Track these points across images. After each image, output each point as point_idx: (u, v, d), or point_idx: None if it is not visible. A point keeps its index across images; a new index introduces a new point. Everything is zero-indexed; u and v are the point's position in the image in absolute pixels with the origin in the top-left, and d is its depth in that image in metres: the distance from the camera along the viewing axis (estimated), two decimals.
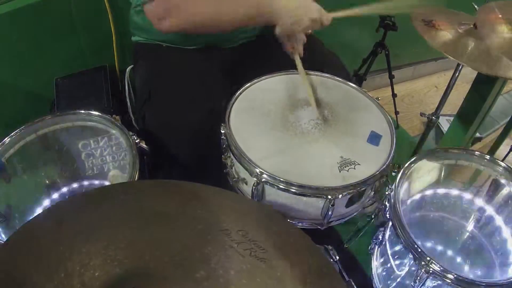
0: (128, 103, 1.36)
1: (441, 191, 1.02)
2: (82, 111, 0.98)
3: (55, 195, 1.00)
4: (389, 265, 0.93)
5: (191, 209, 0.63)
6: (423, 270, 0.78)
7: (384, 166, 0.86)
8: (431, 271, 0.77)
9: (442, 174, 1.00)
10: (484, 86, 1.46)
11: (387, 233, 0.91)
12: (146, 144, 0.94)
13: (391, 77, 1.94)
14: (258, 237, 0.61)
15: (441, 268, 0.76)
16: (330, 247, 0.78)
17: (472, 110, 1.53)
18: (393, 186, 0.88)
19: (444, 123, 2.05)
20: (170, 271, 0.55)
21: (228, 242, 0.59)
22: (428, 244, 0.98)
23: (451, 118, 1.71)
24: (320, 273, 0.58)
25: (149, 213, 0.63)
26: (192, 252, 0.57)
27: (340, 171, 0.84)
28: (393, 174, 0.91)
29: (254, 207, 0.73)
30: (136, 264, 0.55)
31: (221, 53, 1.18)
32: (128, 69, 1.32)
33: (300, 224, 0.89)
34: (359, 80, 1.91)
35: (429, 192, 1.02)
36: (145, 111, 1.10)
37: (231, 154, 0.89)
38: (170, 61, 1.13)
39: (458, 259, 0.97)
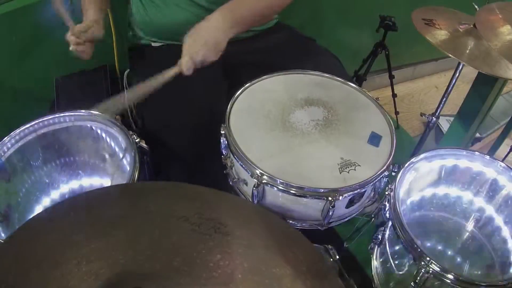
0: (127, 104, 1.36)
1: (441, 191, 1.02)
2: (82, 111, 0.98)
3: (55, 195, 1.00)
4: (388, 264, 0.93)
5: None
6: (423, 270, 0.78)
7: (384, 167, 0.86)
8: (431, 271, 0.77)
9: (442, 174, 1.00)
10: (484, 86, 1.46)
11: (387, 232, 0.91)
12: (146, 144, 0.94)
13: (391, 77, 1.94)
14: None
15: (441, 268, 0.76)
16: (330, 247, 0.78)
17: (472, 110, 1.54)
18: (393, 186, 0.87)
19: (444, 123, 2.05)
20: (171, 271, 0.55)
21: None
22: (428, 244, 0.98)
23: (451, 118, 1.71)
24: (319, 273, 0.59)
25: (149, 214, 0.63)
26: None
27: (340, 172, 0.84)
28: (393, 174, 0.91)
29: (255, 210, 0.74)
30: (137, 264, 0.55)
31: None
32: (125, 73, 1.33)
33: (300, 224, 0.89)
34: (359, 80, 1.90)
35: (429, 192, 1.02)
36: (144, 110, 1.09)
37: (231, 155, 0.89)
38: (167, 61, 1.13)
39: (458, 259, 0.97)
